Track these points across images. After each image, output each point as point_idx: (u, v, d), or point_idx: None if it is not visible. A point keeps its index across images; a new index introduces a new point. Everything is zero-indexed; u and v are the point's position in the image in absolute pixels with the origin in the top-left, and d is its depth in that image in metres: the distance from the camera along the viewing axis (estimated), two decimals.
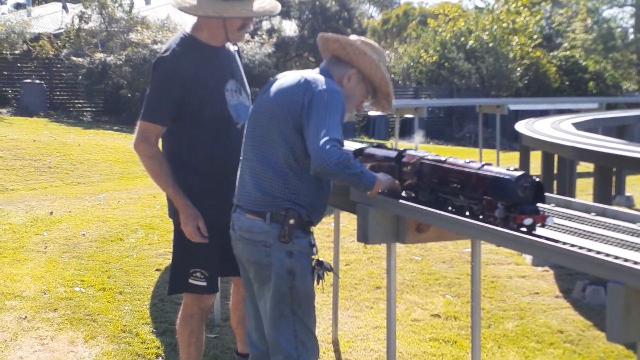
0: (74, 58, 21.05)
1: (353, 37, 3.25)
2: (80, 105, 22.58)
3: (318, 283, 3.14)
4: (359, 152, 3.47)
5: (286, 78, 3.15)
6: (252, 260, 3.15)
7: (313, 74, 3.09)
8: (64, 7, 27.05)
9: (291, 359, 3.10)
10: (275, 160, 3.05)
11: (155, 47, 20.98)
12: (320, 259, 3.16)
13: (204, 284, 3.69)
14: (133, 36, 21.35)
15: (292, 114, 3.00)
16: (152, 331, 5.00)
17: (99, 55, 21.03)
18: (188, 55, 3.51)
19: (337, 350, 4.81)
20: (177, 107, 3.50)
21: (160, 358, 4.63)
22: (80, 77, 21.16)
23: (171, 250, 7.42)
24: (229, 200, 3.35)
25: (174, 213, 3.68)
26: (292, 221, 3.03)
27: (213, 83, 3.56)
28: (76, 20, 22.64)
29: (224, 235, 3.46)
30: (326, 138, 2.82)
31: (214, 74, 3.57)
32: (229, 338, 4.88)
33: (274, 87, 3.15)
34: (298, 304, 3.09)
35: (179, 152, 3.61)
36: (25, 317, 5.19)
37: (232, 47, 3.73)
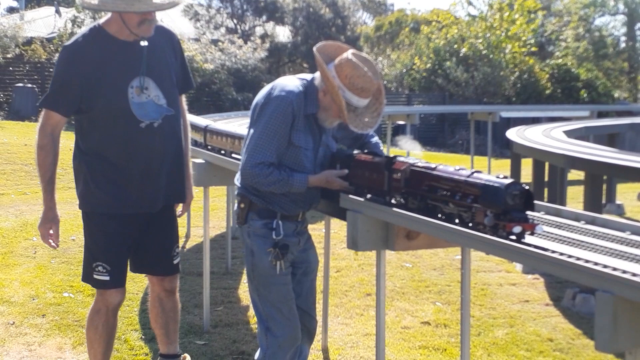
0: None
1: (345, 55, 3.26)
2: None
3: (274, 263, 3.34)
4: (349, 158, 3.46)
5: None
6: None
7: (284, 81, 3.37)
8: (57, 12, 26.98)
9: (262, 330, 3.44)
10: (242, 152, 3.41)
11: None
12: (281, 242, 3.35)
13: (107, 278, 3.68)
14: None
15: (253, 113, 3.37)
16: (141, 337, 4.97)
17: None
18: (91, 47, 3.50)
19: (326, 358, 4.79)
20: (77, 99, 3.52)
21: None
22: None
23: None
24: (133, 194, 3.57)
25: (84, 204, 3.72)
26: (242, 205, 3.40)
27: (115, 77, 3.53)
28: (69, 25, 22.59)
29: (134, 229, 3.62)
30: (253, 160, 3.24)
31: (118, 69, 3.54)
32: (218, 345, 4.86)
33: None
34: (259, 281, 3.41)
35: (82, 143, 3.67)
36: (14, 322, 5.16)
37: (143, 43, 3.59)
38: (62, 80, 3.53)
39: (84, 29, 3.65)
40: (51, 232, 3.65)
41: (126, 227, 3.65)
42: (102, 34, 3.53)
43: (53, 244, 3.66)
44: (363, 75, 3.21)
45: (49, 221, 3.64)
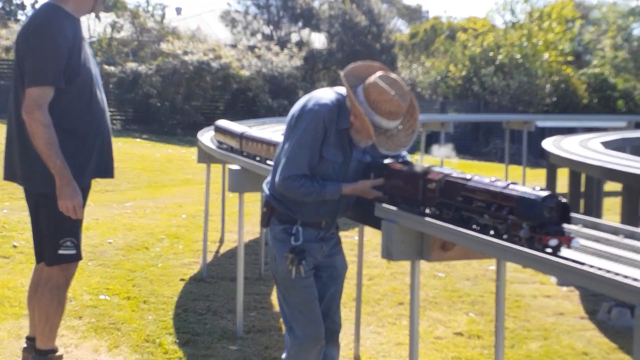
0: (106, 66, 21.34)
1: (373, 78, 3.27)
2: (110, 114, 22.79)
3: (290, 268, 3.41)
4: (384, 168, 3.47)
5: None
6: None
7: (319, 94, 3.40)
8: (97, 16, 27.41)
9: (286, 329, 3.54)
10: (275, 161, 3.50)
11: (186, 57, 21.17)
12: (298, 248, 3.41)
13: (74, 251, 3.81)
14: (164, 46, 21.60)
15: (289, 124, 3.41)
16: (175, 341, 5.02)
17: (131, 65, 21.28)
18: (64, 23, 3.67)
19: None
20: (62, 72, 3.62)
21: None
22: (111, 85, 21.43)
23: (196, 260, 7.46)
24: (92, 165, 3.79)
25: (45, 186, 3.72)
26: (265, 209, 3.53)
27: (85, 52, 3.77)
28: (108, 29, 22.97)
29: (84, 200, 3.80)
30: (285, 174, 3.31)
31: (84, 44, 3.78)
32: (250, 351, 4.89)
33: None
34: (281, 284, 3.51)
35: (56, 118, 3.64)
36: None
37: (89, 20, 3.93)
38: (51, 54, 3.60)
39: (45, 10, 3.74)
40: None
41: (83, 198, 3.79)
42: (63, 12, 3.72)
43: (79, 215, 3.75)
44: (390, 100, 3.21)
45: (78, 193, 3.70)
